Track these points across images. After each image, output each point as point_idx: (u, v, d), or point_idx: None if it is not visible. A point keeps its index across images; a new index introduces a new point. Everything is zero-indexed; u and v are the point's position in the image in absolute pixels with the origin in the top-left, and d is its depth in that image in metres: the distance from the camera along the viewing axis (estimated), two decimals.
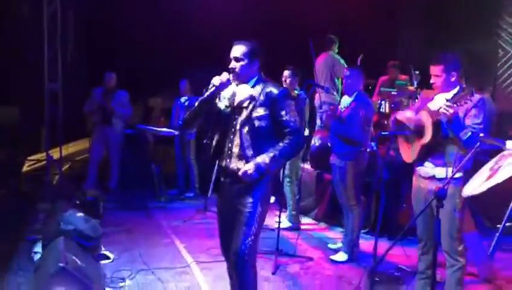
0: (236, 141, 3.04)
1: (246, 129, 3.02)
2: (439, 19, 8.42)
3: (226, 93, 3.12)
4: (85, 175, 7.04)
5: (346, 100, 4.82)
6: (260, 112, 3.02)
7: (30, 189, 7.10)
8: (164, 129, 7.00)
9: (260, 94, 3.04)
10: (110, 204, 6.29)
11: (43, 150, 7.41)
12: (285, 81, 5.72)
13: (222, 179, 3.17)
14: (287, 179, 5.77)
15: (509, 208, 2.08)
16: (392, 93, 7.10)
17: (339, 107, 4.85)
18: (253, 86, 3.08)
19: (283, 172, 5.73)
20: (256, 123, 3.00)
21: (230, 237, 3.08)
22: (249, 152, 3.00)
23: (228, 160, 3.07)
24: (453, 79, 3.40)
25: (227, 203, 3.14)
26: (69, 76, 7.45)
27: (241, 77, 3.07)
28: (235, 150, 3.04)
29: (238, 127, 3.05)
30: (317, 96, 6.68)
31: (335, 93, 7.25)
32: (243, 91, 3.07)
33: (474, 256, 4.36)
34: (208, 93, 3.05)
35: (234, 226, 3.05)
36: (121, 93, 7.02)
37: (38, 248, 4.46)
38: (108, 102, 6.89)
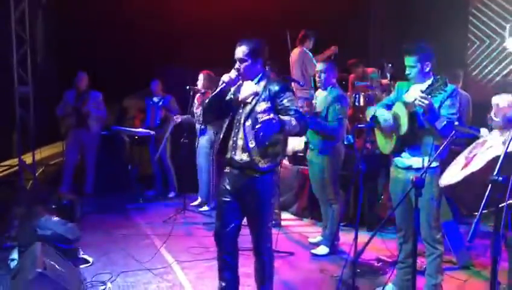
0: (241, 134, 3.20)
1: (248, 122, 3.17)
2: (409, 11, 8.53)
3: (233, 90, 3.31)
4: (60, 179, 6.92)
5: (320, 94, 4.84)
6: (263, 106, 3.16)
7: (4, 195, 6.93)
8: (140, 130, 6.93)
9: (263, 90, 3.19)
10: (87, 207, 6.19)
11: (15, 156, 7.24)
12: None
13: (228, 169, 3.32)
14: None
15: (485, 195, 2.12)
16: (367, 85, 7.16)
17: (313, 101, 4.86)
18: (257, 83, 3.23)
19: None
20: (259, 116, 3.10)
21: (238, 230, 3.34)
22: (251, 144, 3.15)
23: (233, 152, 3.24)
24: (427, 69, 3.45)
25: (235, 193, 3.28)
26: (39, 78, 7.30)
27: (246, 76, 3.23)
28: (240, 142, 3.20)
29: (242, 121, 3.20)
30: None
31: (308, 88, 7.26)
32: (247, 87, 3.24)
33: (452, 244, 4.45)
34: (218, 89, 3.21)
35: (249, 220, 3.30)
36: (94, 94, 6.92)
37: (14, 255, 4.34)
38: (82, 104, 6.77)
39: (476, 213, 2.15)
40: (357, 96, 6.94)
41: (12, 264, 4.22)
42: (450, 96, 3.35)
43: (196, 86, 6.30)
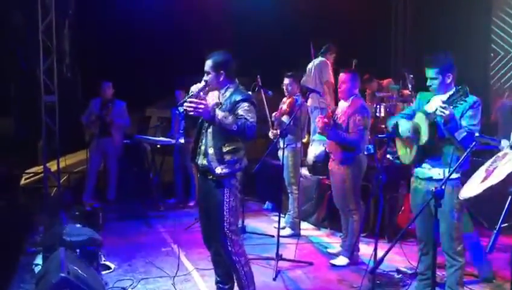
0: (204, 140, 3.47)
1: (210, 129, 3.42)
2: (432, 21, 8.50)
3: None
4: (84, 186, 7.04)
5: (342, 105, 4.84)
6: (222, 114, 3.33)
7: (29, 202, 7.09)
8: (162, 138, 7.02)
9: (227, 99, 3.43)
10: (110, 215, 6.28)
11: (40, 163, 7.40)
12: (287, 89, 5.74)
13: (199, 175, 3.61)
14: (294, 187, 5.78)
15: (505, 209, 2.11)
16: (388, 96, 7.14)
17: (336, 112, 4.86)
18: (224, 93, 3.48)
19: (287, 180, 5.74)
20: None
21: (209, 229, 3.57)
22: (210, 150, 3.41)
23: (198, 157, 3.52)
24: (448, 80, 3.44)
25: (203, 198, 3.60)
26: (65, 87, 7.46)
27: (212, 87, 3.49)
28: (202, 148, 3.48)
29: (206, 128, 3.46)
30: (309, 101, 6.65)
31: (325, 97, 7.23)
32: (212, 97, 3.53)
33: (474, 256, 4.39)
34: (186, 98, 3.36)
35: (211, 219, 3.50)
36: (118, 103, 7.03)
37: (39, 260, 4.45)
38: (106, 113, 6.89)
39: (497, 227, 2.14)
40: (378, 106, 6.92)
41: (37, 269, 4.32)
42: (472, 107, 3.33)
43: None
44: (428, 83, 3.49)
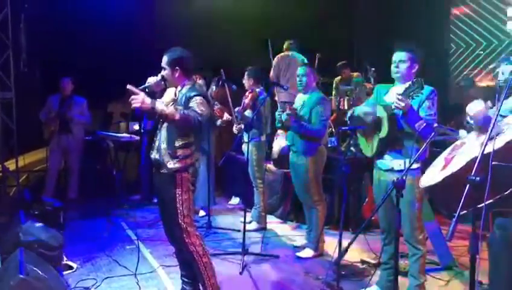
0: (159, 135, 3.52)
1: (165, 125, 3.47)
2: (391, 15, 8.64)
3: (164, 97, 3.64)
4: (44, 185, 6.86)
5: (301, 98, 4.88)
6: (178, 109, 3.37)
7: None
8: (125, 135, 6.90)
9: (182, 96, 3.45)
10: (72, 213, 6.14)
11: None
12: (245, 82, 5.82)
13: (153, 170, 3.62)
14: (259, 181, 5.79)
15: (463, 197, 2.16)
16: (349, 89, 7.24)
17: (294, 105, 4.89)
18: (180, 90, 3.51)
19: (251, 174, 5.75)
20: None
21: (166, 223, 3.62)
22: (163, 145, 3.46)
23: (152, 152, 3.56)
24: (413, 70, 3.51)
25: (157, 193, 3.68)
26: (23, 83, 7.22)
27: (169, 83, 3.54)
28: (157, 143, 3.53)
29: (161, 123, 3.50)
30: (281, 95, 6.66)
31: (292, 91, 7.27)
32: (168, 94, 3.63)
33: (435, 244, 4.50)
34: (141, 87, 3.36)
35: (166, 212, 3.55)
36: (78, 99, 6.88)
37: None
38: (66, 109, 6.73)
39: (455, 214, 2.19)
40: (341, 99, 7.01)
41: None
42: (428, 98, 3.40)
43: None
44: (393, 67, 3.52)
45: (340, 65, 7.97)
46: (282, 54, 7.28)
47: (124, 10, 8.04)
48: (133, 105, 3.21)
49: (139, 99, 3.20)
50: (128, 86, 3.23)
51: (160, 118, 3.36)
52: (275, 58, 7.20)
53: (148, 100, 3.19)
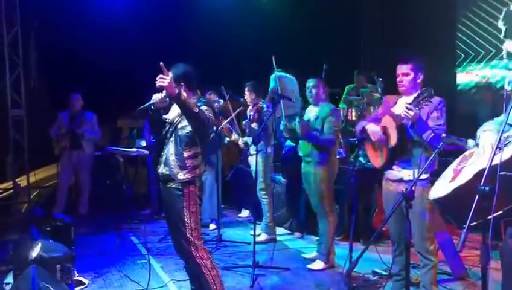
0: (166, 149, 3.54)
1: (172, 138, 3.52)
2: (402, 26, 8.65)
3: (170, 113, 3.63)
4: (55, 201, 6.90)
5: (312, 110, 4.90)
6: (183, 123, 3.47)
7: None
8: (134, 150, 6.94)
9: None
10: (82, 229, 6.15)
11: (10, 179, 7.22)
12: (247, 97, 5.87)
13: (160, 185, 3.64)
14: (263, 193, 5.80)
15: (472, 208, 2.15)
16: (358, 100, 7.24)
17: (305, 117, 4.91)
18: None
19: (258, 186, 5.75)
20: (179, 132, 3.48)
21: (174, 237, 3.60)
22: (172, 157, 3.48)
23: (159, 166, 3.58)
24: (419, 80, 3.51)
25: (165, 207, 3.67)
26: (33, 101, 7.31)
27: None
28: (164, 157, 3.55)
29: (169, 138, 3.55)
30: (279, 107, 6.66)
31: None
32: (174, 110, 3.59)
33: (446, 255, 4.46)
34: (146, 104, 3.41)
35: (174, 226, 3.53)
36: (88, 115, 6.93)
37: (9, 279, 4.33)
38: (77, 125, 6.79)
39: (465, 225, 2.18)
40: (349, 110, 7.01)
41: (8, 288, 4.20)
42: (436, 108, 3.40)
43: None
44: (399, 80, 3.53)
45: (358, 72, 7.98)
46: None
47: (133, 28, 8.13)
48: (159, 83, 3.20)
49: (167, 79, 3.20)
50: (161, 64, 3.22)
51: (182, 106, 3.30)
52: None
53: (174, 84, 3.22)
